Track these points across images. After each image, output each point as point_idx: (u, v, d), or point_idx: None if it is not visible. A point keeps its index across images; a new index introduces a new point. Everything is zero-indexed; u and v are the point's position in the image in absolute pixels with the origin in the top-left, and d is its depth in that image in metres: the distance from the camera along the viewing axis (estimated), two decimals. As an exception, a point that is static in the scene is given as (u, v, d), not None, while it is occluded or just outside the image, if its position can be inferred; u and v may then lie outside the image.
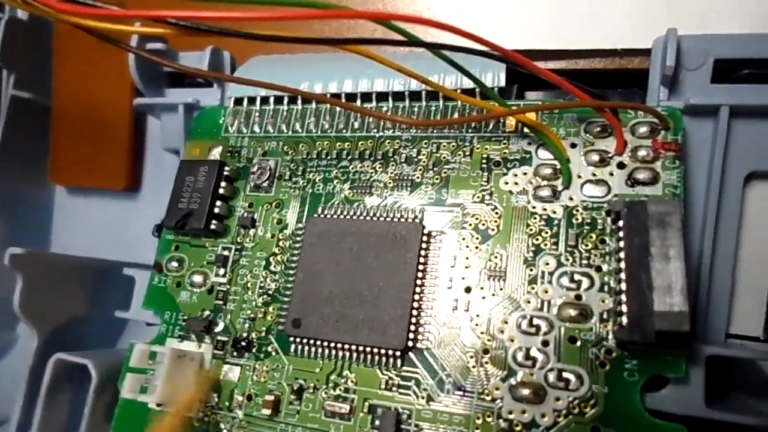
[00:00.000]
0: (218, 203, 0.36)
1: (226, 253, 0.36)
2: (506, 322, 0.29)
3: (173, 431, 0.30)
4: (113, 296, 0.42)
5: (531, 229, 0.30)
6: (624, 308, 0.25)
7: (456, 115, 0.34)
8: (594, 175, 0.30)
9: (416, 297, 0.30)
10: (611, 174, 0.30)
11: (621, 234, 0.27)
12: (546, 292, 0.29)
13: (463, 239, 0.31)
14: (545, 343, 0.28)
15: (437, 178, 0.33)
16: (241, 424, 0.31)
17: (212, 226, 0.35)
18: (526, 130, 0.32)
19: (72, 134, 0.50)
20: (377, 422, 0.29)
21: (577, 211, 0.30)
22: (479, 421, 0.28)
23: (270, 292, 0.34)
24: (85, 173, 0.50)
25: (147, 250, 0.46)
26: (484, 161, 0.32)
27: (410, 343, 0.30)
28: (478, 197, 0.32)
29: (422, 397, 0.29)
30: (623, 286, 0.26)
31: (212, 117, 0.40)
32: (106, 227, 0.50)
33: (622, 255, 0.26)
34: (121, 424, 0.34)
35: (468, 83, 0.32)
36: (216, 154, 0.39)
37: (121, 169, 0.49)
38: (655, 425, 0.25)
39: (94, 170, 0.50)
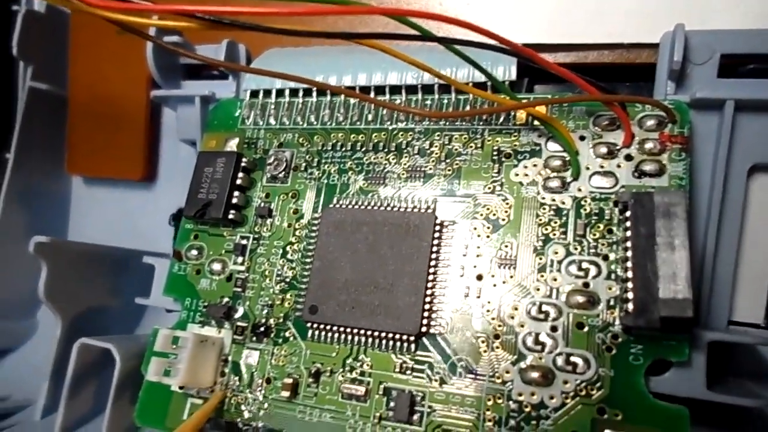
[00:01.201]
0: (236, 193, 0.37)
1: (244, 242, 0.37)
2: (516, 309, 0.30)
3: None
4: (133, 284, 0.43)
5: (540, 219, 0.31)
6: (630, 295, 0.27)
7: (468, 108, 0.35)
8: (602, 166, 0.31)
9: (429, 284, 0.31)
10: (619, 166, 0.31)
11: (628, 224, 0.28)
12: (555, 279, 0.30)
13: (475, 229, 0.32)
14: (554, 329, 0.29)
15: (449, 170, 0.34)
16: (261, 406, 0.33)
17: (230, 216, 0.37)
18: (536, 122, 0.33)
19: (89, 125, 0.51)
20: (392, 404, 0.30)
21: (586, 201, 0.31)
22: (490, 403, 0.29)
23: (287, 279, 0.35)
24: (101, 164, 0.51)
25: (163, 240, 0.47)
26: (495, 153, 0.33)
27: (424, 329, 0.31)
28: (489, 188, 0.33)
29: (435, 380, 0.30)
30: (629, 274, 0.27)
31: (228, 109, 0.41)
32: (122, 217, 0.52)
33: (628, 244, 0.28)
34: (145, 405, 0.35)
35: (480, 77, 0.33)
36: (233, 145, 0.40)
37: (137, 160, 0.50)
38: (659, 407, 0.26)
39: (110, 161, 0.51)
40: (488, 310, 0.30)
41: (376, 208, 0.34)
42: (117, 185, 0.52)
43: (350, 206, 0.35)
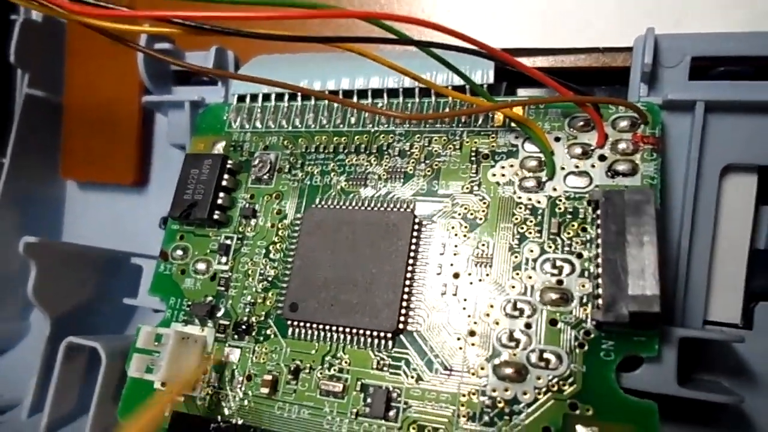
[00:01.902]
0: (221, 195, 0.38)
1: (228, 242, 0.37)
2: (492, 306, 0.30)
3: (165, 407, 0.32)
4: (122, 285, 0.44)
5: (516, 218, 0.32)
6: (601, 291, 0.27)
7: (447, 111, 0.36)
8: (576, 166, 0.31)
9: (407, 282, 0.32)
10: (593, 166, 0.31)
11: (599, 221, 0.28)
12: (530, 277, 0.30)
13: (452, 228, 0.33)
14: (528, 326, 0.29)
15: (429, 170, 0.34)
16: (242, 402, 0.33)
17: (215, 216, 0.37)
18: (513, 124, 0.34)
19: (83, 131, 0.52)
20: (369, 400, 0.31)
21: (560, 201, 0.31)
22: (464, 399, 0.29)
23: (269, 278, 0.35)
24: (95, 169, 0.52)
25: (154, 242, 0.48)
26: (473, 154, 0.34)
27: (401, 326, 0.31)
28: (467, 188, 0.33)
29: (412, 377, 0.30)
30: (600, 270, 0.27)
31: (216, 113, 0.42)
32: (115, 220, 0.52)
33: (600, 241, 0.28)
34: (128, 402, 0.36)
35: (459, 81, 0.34)
36: (219, 148, 0.41)
37: (129, 165, 0.51)
38: (629, 402, 0.27)
39: (104, 166, 0.52)
40: (464, 308, 0.31)
41: (356, 208, 0.35)
42: (110, 190, 0.53)
43: (332, 206, 0.35)
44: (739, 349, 0.32)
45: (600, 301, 0.27)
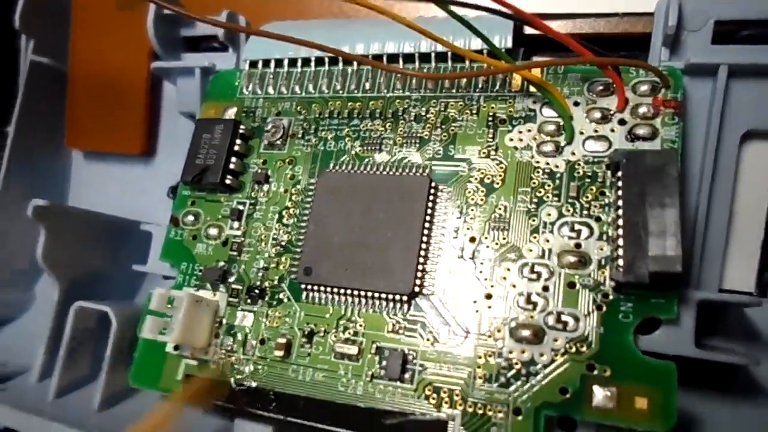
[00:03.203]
0: (233, 159, 0.37)
1: (240, 207, 0.37)
2: (509, 270, 0.30)
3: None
4: (131, 253, 0.43)
5: (534, 182, 0.31)
6: (621, 252, 0.27)
7: (464, 79, 0.35)
8: (595, 131, 0.31)
9: (423, 245, 0.31)
10: (612, 130, 0.31)
11: (620, 183, 0.28)
12: (547, 241, 0.30)
13: (469, 192, 0.32)
14: (545, 288, 0.29)
15: (445, 135, 0.34)
16: (255, 366, 0.33)
17: (227, 181, 0.37)
18: (531, 89, 0.33)
19: (89, 99, 0.51)
20: (384, 362, 0.30)
21: (579, 165, 0.31)
22: (481, 361, 0.29)
23: (283, 243, 0.35)
24: (101, 138, 0.51)
25: (162, 213, 0.47)
26: (490, 119, 0.34)
27: (417, 289, 0.31)
28: (484, 152, 0.33)
29: (427, 339, 0.30)
30: (620, 231, 0.27)
31: (228, 80, 0.42)
32: (121, 191, 0.52)
33: (620, 203, 0.28)
34: (140, 366, 0.35)
35: (477, 45, 0.34)
36: (231, 114, 0.40)
37: (137, 134, 0.50)
38: (647, 362, 0.27)
39: (110, 135, 0.51)
40: (481, 271, 0.31)
41: (371, 172, 0.34)
42: (117, 159, 0.52)
43: (346, 170, 0.35)
44: (753, 317, 0.32)
45: (620, 262, 0.27)
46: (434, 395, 0.29)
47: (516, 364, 0.28)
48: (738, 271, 0.32)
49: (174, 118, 0.49)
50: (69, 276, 0.41)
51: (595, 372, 0.27)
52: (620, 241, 0.27)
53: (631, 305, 0.28)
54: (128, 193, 0.51)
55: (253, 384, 0.33)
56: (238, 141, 0.38)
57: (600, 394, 0.27)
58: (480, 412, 0.28)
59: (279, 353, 0.32)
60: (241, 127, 0.38)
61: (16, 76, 0.53)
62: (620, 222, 0.27)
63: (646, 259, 0.26)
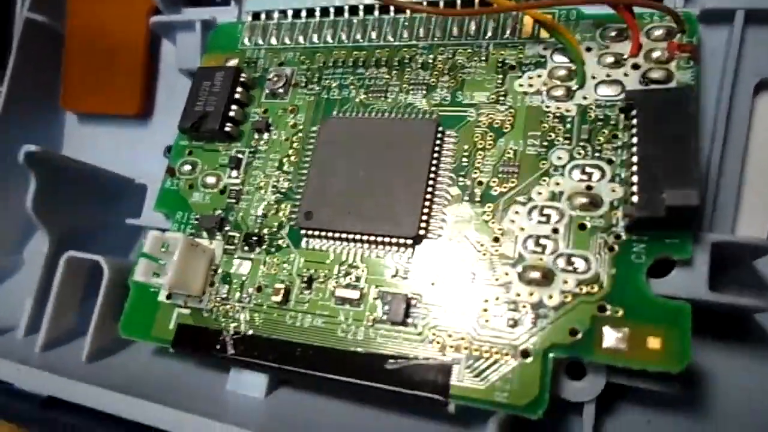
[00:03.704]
0: (233, 107, 0.36)
1: (239, 156, 0.36)
2: (517, 212, 0.29)
3: None
4: (125, 210, 0.42)
5: (544, 126, 0.30)
6: (635, 188, 0.26)
7: (473, 27, 0.35)
8: (608, 75, 0.30)
9: (429, 189, 0.31)
10: (625, 74, 0.30)
11: (635, 122, 0.27)
12: (557, 183, 0.29)
13: (477, 136, 0.31)
14: (555, 231, 0.28)
15: (452, 82, 0.33)
16: (251, 314, 0.32)
17: (227, 129, 0.36)
18: (542, 35, 0.32)
19: (85, 59, 0.50)
20: (386, 307, 0.29)
21: (591, 109, 0.30)
22: (487, 304, 0.28)
23: (282, 190, 0.34)
24: (97, 99, 0.50)
25: (159, 174, 0.46)
26: (499, 65, 0.33)
27: (422, 232, 0.30)
28: (493, 98, 0.32)
29: (432, 283, 0.29)
30: (635, 168, 0.26)
31: (229, 32, 0.41)
32: (117, 152, 0.50)
33: (635, 140, 0.27)
34: (131, 315, 0.34)
35: (486, -8, 0.33)
36: (232, 64, 0.39)
37: (133, 95, 0.49)
38: (660, 302, 0.26)
39: (106, 96, 0.50)
40: (488, 215, 0.30)
41: (376, 117, 0.33)
42: (112, 121, 0.51)
43: (350, 116, 0.34)
44: (764, 269, 0.31)
45: (634, 198, 0.26)
46: (438, 339, 0.28)
47: (524, 306, 0.27)
48: (750, 220, 0.31)
49: (172, 78, 0.48)
50: (60, 228, 0.40)
51: (607, 312, 0.26)
52: (634, 178, 0.26)
53: (644, 246, 0.27)
54: (124, 155, 0.50)
55: (249, 332, 0.32)
56: (239, 89, 0.37)
57: (611, 335, 0.26)
58: (486, 355, 0.27)
59: (276, 298, 0.31)
60: (243, 75, 0.37)
61: (11, 35, 0.52)
62: (634, 159, 0.26)
63: (663, 193, 0.25)
